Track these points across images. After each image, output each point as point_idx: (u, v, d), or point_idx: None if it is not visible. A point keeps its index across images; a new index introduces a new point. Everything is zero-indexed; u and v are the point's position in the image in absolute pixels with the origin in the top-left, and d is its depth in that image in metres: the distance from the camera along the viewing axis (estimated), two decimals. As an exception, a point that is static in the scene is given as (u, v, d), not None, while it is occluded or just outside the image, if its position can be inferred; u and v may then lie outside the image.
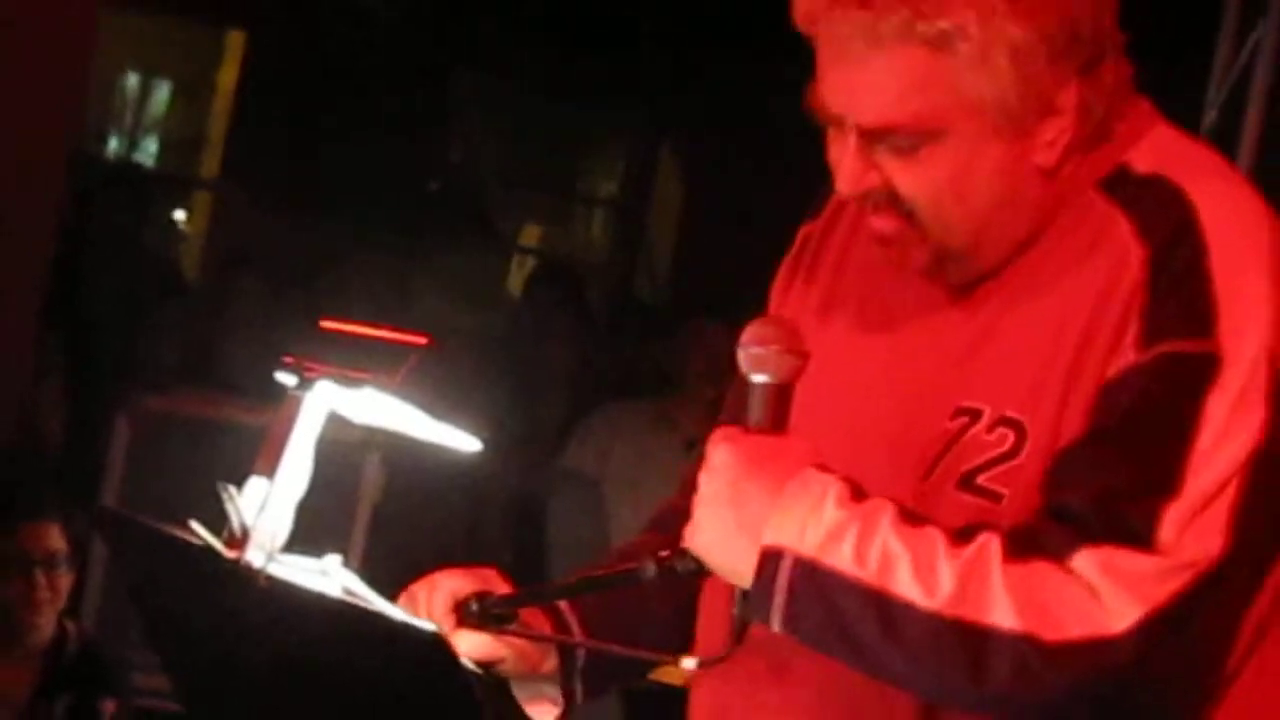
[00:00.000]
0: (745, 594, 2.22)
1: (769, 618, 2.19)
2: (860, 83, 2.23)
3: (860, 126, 2.22)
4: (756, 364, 2.25)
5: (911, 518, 2.16)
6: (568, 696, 2.51)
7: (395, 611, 2.26)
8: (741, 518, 2.25)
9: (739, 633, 2.28)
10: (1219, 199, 2.25)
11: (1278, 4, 7.17)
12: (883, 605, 2.15)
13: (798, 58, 2.37)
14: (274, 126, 9.23)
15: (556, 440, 6.97)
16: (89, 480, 6.49)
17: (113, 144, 9.28)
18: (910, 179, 2.25)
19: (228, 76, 9.53)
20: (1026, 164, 2.27)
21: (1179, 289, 2.22)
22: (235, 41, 9.47)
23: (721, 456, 2.23)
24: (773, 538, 2.18)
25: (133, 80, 9.39)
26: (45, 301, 6.45)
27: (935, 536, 2.13)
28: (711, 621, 2.43)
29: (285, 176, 8.89)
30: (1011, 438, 2.26)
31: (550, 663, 2.48)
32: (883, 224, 2.30)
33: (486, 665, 2.40)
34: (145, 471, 6.43)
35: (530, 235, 10.25)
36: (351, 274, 8.20)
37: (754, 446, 2.23)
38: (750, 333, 2.27)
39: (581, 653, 2.50)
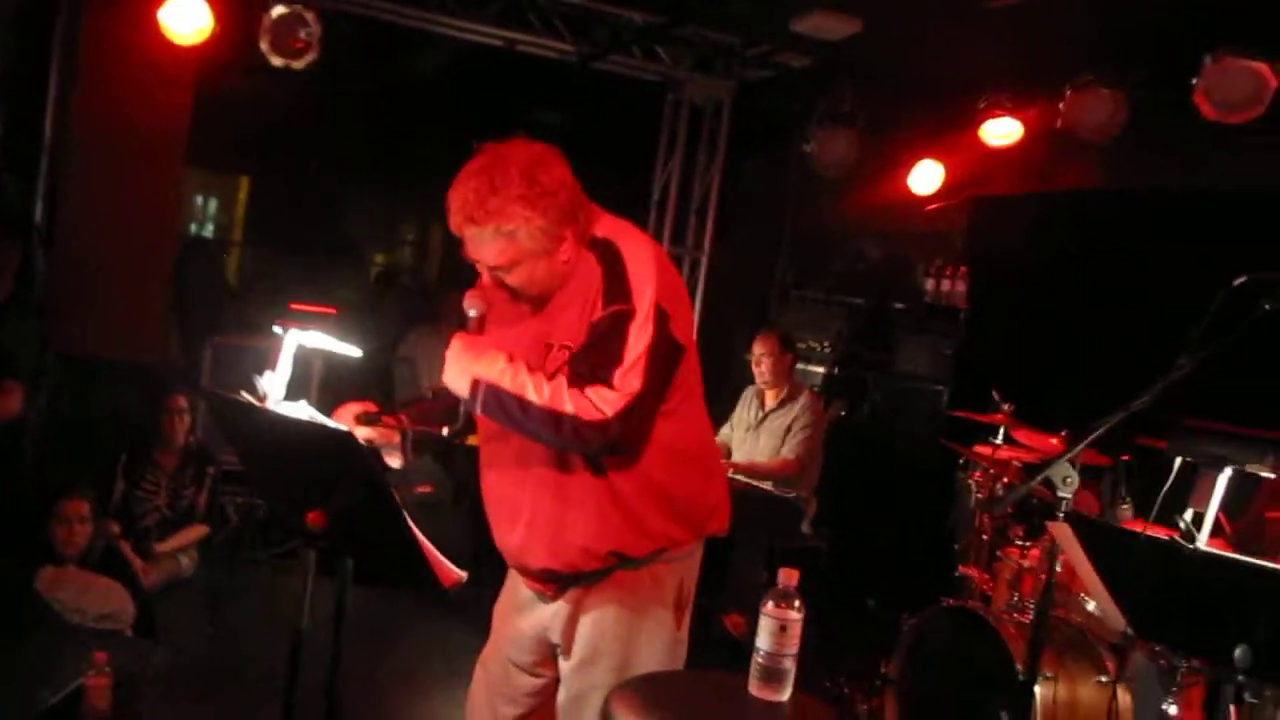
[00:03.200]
0: (465, 400, 2.33)
1: (475, 409, 2.33)
2: (483, 252, 2.37)
3: (486, 266, 2.39)
4: (470, 306, 2.40)
5: (534, 369, 2.31)
6: (404, 454, 2.56)
7: (328, 421, 2.37)
8: (463, 367, 2.33)
9: (465, 415, 2.39)
10: (630, 244, 2.41)
11: (680, 148, 7.25)
12: (522, 402, 2.27)
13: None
14: (263, 216, 9.01)
15: (396, 343, 6.98)
16: (196, 376, 6.20)
17: (193, 227, 8.94)
18: (511, 279, 2.39)
19: (243, 194, 9.27)
20: (557, 262, 2.39)
21: (614, 283, 2.31)
22: (245, 180, 9.16)
23: (456, 343, 2.37)
24: (477, 374, 2.31)
25: (199, 199, 9.06)
26: (168, 298, 6.23)
27: (542, 376, 2.29)
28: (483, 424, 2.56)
29: (270, 240, 8.75)
30: (568, 354, 2.37)
31: (395, 439, 2.54)
32: (502, 290, 2.42)
33: (369, 442, 2.48)
34: (221, 371, 6.14)
35: (379, 258, 10.09)
36: (302, 279, 8.00)
37: (469, 339, 2.38)
38: (468, 294, 2.42)
39: (409, 434, 2.55)
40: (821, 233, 7.70)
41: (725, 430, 5.85)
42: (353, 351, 2.74)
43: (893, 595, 5.62)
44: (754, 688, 2.18)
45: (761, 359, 5.67)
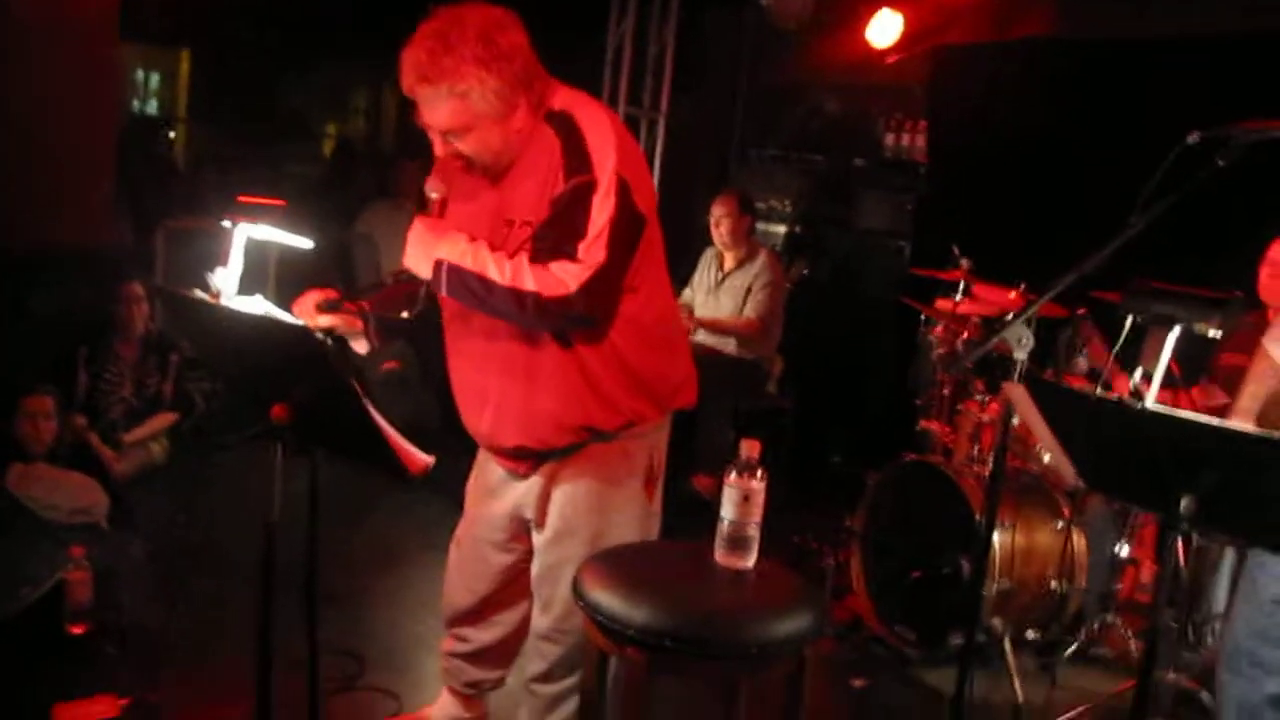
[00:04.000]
0: (429, 282, 2.36)
1: (439, 290, 2.35)
2: (435, 114, 2.34)
3: (439, 130, 2.37)
4: (432, 190, 2.40)
5: (495, 248, 2.34)
6: (369, 340, 2.57)
7: (287, 316, 2.38)
8: (425, 249, 2.35)
9: (427, 295, 2.47)
10: (586, 114, 2.38)
11: (633, 4, 6.95)
12: (484, 281, 2.29)
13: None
14: (207, 91, 8.74)
15: (354, 219, 6.71)
16: (149, 262, 6.05)
17: (135, 104, 8.68)
18: (464, 146, 2.38)
19: (184, 69, 9.00)
20: (511, 130, 2.37)
21: (574, 155, 2.28)
22: (185, 54, 8.86)
23: (417, 225, 2.38)
24: (439, 255, 2.33)
25: (141, 74, 8.76)
26: (114, 180, 5.97)
27: (503, 255, 2.31)
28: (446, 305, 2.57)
29: (217, 115, 8.50)
30: (530, 230, 2.37)
31: (359, 325, 2.54)
32: (458, 160, 2.41)
33: (333, 329, 2.49)
34: (174, 256, 6.00)
35: (331, 129, 9.87)
36: (253, 155, 7.80)
37: (430, 221, 2.39)
38: (429, 178, 2.41)
39: (373, 319, 2.55)
40: (780, 90, 7.58)
41: (686, 293, 5.85)
42: (303, 243, 2.72)
43: (856, 451, 5.76)
44: (719, 555, 2.24)
45: (720, 221, 5.65)
